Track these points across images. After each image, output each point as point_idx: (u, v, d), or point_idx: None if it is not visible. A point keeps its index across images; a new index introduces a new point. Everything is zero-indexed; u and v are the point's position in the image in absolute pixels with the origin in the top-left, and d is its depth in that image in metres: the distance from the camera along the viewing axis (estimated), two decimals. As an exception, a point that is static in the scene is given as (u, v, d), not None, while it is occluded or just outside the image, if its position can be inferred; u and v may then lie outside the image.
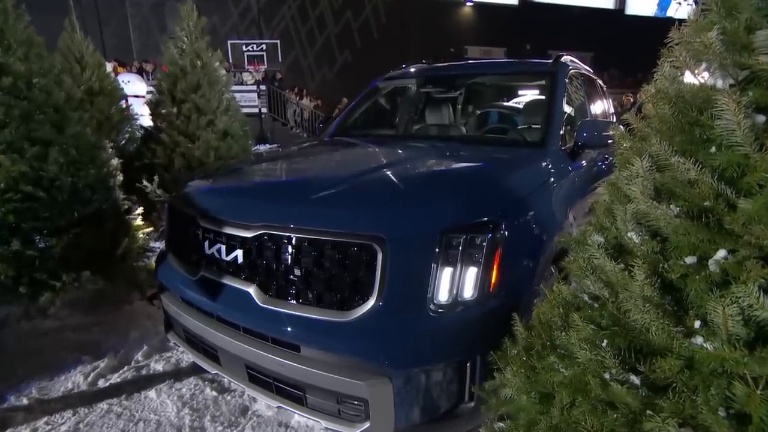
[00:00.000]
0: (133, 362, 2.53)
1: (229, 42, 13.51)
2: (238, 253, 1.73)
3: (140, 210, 3.24)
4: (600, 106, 3.83)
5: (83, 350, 2.60)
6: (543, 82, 2.91)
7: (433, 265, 1.51)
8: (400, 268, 1.49)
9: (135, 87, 8.02)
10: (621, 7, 21.68)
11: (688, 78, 1.06)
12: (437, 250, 1.50)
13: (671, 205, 0.89)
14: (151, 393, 2.25)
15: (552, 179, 2.11)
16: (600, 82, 3.99)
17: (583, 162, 2.62)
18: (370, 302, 1.50)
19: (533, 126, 2.86)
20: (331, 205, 1.64)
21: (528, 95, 3.34)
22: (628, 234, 0.98)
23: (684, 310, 0.89)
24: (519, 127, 2.90)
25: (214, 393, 2.24)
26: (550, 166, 2.18)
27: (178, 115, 3.60)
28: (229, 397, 2.21)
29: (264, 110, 13.64)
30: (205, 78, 3.63)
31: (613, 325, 1.04)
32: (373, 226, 1.51)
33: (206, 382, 2.31)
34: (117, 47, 13.31)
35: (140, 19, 14.78)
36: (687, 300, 0.89)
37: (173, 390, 2.27)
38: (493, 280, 1.56)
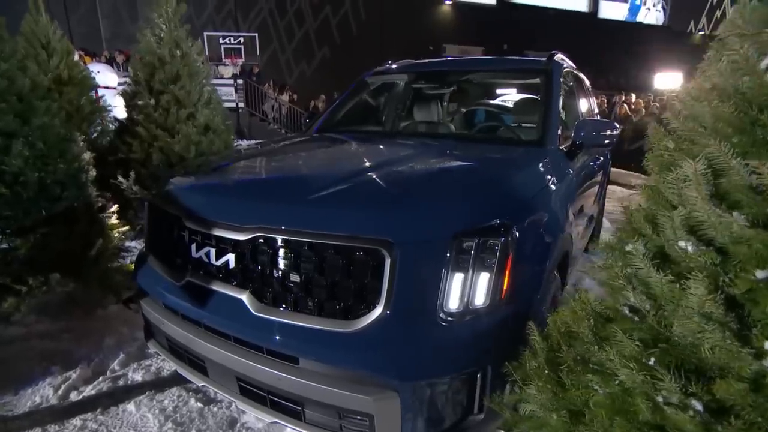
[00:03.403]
0: (108, 372, 2.33)
1: (205, 34, 13.04)
2: (230, 258, 1.58)
3: (115, 208, 3.02)
4: (587, 105, 3.80)
5: (52, 360, 2.39)
6: (538, 80, 2.83)
7: (444, 271, 1.40)
8: (409, 274, 1.37)
9: (105, 78, 7.59)
10: (594, 11, 22.08)
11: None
12: (449, 254, 1.39)
13: (734, 213, 0.80)
14: (130, 406, 2.07)
15: (555, 179, 2.03)
16: (586, 80, 3.96)
17: (579, 161, 2.57)
18: (377, 311, 1.38)
19: (529, 125, 2.78)
20: (333, 206, 1.50)
21: (523, 93, 3.25)
22: (679, 243, 0.88)
23: (747, 328, 0.80)
24: (515, 126, 2.82)
25: (199, 404, 2.08)
26: (551, 166, 2.11)
27: (156, 108, 3.37)
28: (215, 409, 2.06)
29: (241, 105, 13.28)
30: (185, 69, 3.40)
31: (654, 340, 0.95)
32: (380, 229, 1.39)
33: (190, 393, 2.14)
34: (85, 36, 12.66)
35: (110, 7, 14.12)
36: (749, 317, 0.81)
37: (154, 402, 2.09)
38: (504, 286, 1.46)
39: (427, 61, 3.36)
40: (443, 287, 1.40)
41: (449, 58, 3.53)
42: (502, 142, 2.58)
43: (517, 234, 1.49)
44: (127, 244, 3.53)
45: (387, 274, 1.36)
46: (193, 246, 1.70)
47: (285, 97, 14.31)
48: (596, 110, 4.54)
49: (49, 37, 3.30)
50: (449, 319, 1.41)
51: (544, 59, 2.93)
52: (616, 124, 2.53)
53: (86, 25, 13.39)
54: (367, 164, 1.85)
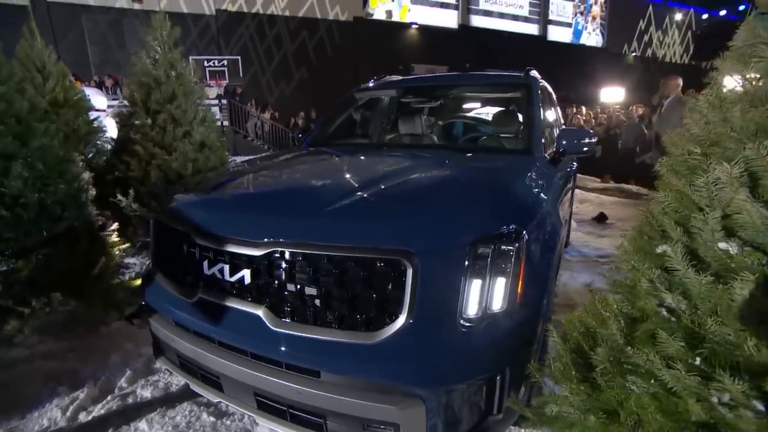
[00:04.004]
0: (116, 390, 2.14)
1: (190, 57, 12.67)
2: (245, 274, 1.45)
3: (115, 225, 2.81)
4: (555, 114, 3.82)
5: (58, 380, 2.17)
6: (519, 93, 2.80)
7: (463, 278, 1.31)
8: (431, 283, 1.28)
9: (95, 101, 7.22)
10: (543, 34, 22.68)
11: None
12: (467, 262, 1.31)
13: (780, 214, 0.74)
14: (142, 424, 1.89)
15: (546, 185, 1.98)
16: (553, 93, 3.98)
17: (560, 167, 2.55)
18: (400, 321, 1.28)
19: (509, 135, 2.74)
20: (352, 219, 1.40)
21: (504, 105, 3.22)
22: (719, 245, 0.82)
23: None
24: (500, 136, 2.76)
25: (212, 419, 1.92)
26: (542, 173, 2.06)
27: (152, 126, 3.17)
28: (228, 422, 1.90)
29: (225, 123, 12.95)
30: (181, 88, 3.22)
31: (691, 339, 0.88)
32: (401, 240, 1.29)
33: (202, 407, 1.98)
34: (74, 63, 12.08)
35: (98, 35, 13.56)
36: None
37: (166, 419, 1.92)
38: (519, 290, 1.39)
39: (415, 76, 3.30)
40: (462, 294, 1.31)
41: (436, 74, 3.45)
42: (493, 152, 2.52)
43: (527, 238, 1.42)
44: (127, 260, 3.31)
45: (409, 284, 1.26)
46: (205, 263, 1.55)
47: (267, 115, 14.06)
48: (562, 119, 4.58)
49: (44, 60, 3.07)
50: (469, 324, 1.32)
51: (521, 74, 2.91)
52: (593, 133, 2.51)
53: (75, 52, 12.80)
54: (375, 176, 1.73)
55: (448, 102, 3.26)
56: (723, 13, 26.56)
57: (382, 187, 1.58)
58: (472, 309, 1.33)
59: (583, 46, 24.21)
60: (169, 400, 2.06)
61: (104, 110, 7.24)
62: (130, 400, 2.07)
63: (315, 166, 2.23)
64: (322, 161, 2.36)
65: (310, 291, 1.36)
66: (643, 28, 26.71)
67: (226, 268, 1.47)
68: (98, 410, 1.99)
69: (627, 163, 8.97)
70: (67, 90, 3.26)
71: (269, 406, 1.48)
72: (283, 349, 1.38)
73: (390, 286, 1.29)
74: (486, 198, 1.54)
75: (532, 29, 22.49)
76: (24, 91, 2.30)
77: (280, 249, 1.37)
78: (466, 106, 3.47)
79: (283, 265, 1.38)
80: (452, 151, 2.52)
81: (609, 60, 23.72)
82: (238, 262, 1.46)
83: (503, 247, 1.35)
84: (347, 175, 1.96)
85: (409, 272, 1.26)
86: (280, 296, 1.41)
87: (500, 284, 1.35)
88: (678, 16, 27.38)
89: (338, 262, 1.32)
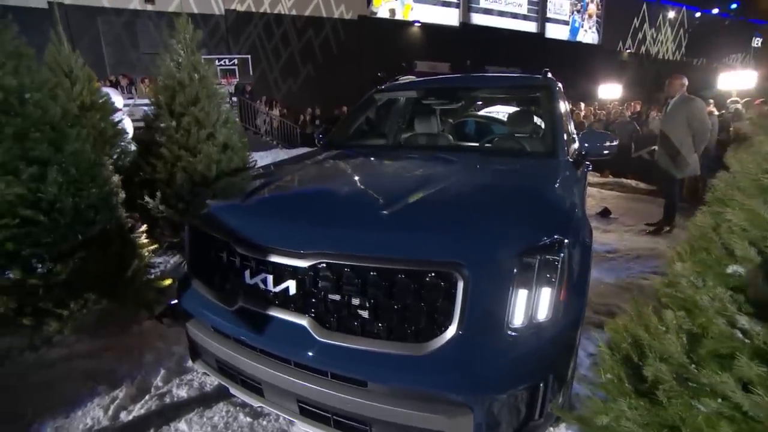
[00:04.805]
0: (153, 389, 2.11)
1: (202, 57, 12.49)
2: (290, 285, 1.40)
3: (144, 227, 2.76)
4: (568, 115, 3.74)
5: (97, 380, 2.14)
6: (539, 95, 2.72)
7: (511, 289, 1.26)
8: (480, 295, 1.23)
9: (113, 101, 7.14)
10: (542, 32, 22.39)
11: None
12: (515, 272, 1.26)
13: None
14: (182, 425, 1.86)
15: (575, 189, 1.92)
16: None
17: (581, 170, 2.48)
18: (450, 332, 1.23)
19: (532, 137, 2.67)
20: (400, 231, 1.34)
21: (523, 108, 3.13)
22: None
23: None
24: (523, 138, 2.68)
25: (248, 419, 1.88)
26: (569, 177, 2.00)
27: (177, 129, 3.11)
28: (265, 422, 1.87)
29: (236, 120, 12.83)
30: (204, 91, 3.15)
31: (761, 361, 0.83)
32: (452, 252, 1.24)
33: (237, 408, 1.95)
34: (90, 64, 11.93)
35: (113, 36, 13.38)
36: None
37: (204, 419, 1.89)
38: (562, 298, 1.34)
39: (436, 77, 3.21)
40: (510, 304, 1.27)
41: (457, 76, 3.34)
42: (519, 155, 2.42)
43: (569, 247, 1.37)
44: (154, 259, 3.27)
45: (460, 296, 1.22)
46: (247, 272, 1.50)
47: (276, 112, 13.92)
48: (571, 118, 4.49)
49: (71, 65, 3.00)
50: (515, 334, 1.28)
51: (539, 76, 2.83)
52: (615, 137, 2.43)
53: (91, 53, 12.61)
54: (414, 184, 1.65)
55: (469, 103, 3.17)
56: (715, 11, 26.17)
57: (424, 196, 1.52)
58: (518, 319, 1.28)
59: (580, 43, 23.91)
60: (205, 399, 2.02)
61: (121, 109, 7.17)
62: (167, 399, 2.04)
63: (350, 171, 2.14)
64: (356, 166, 2.26)
65: (358, 302, 1.32)
66: (637, 25, 26.38)
67: (270, 278, 1.42)
68: (138, 410, 1.96)
69: (622, 159, 8.89)
70: (93, 93, 3.19)
71: (313, 412, 1.44)
72: (329, 359, 1.34)
73: (440, 298, 1.24)
74: (528, 208, 1.49)
75: (530, 27, 22.21)
76: (57, 97, 2.23)
77: (327, 261, 1.32)
78: (487, 108, 3.38)
79: (330, 276, 1.33)
80: (479, 154, 2.43)
81: (605, 57, 23.43)
82: (282, 273, 1.41)
83: (548, 257, 1.30)
84: (386, 183, 1.88)
85: (460, 284, 1.21)
86: (326, 307, 1.36)
87: (545, 294, 1.31)
88: (671, 14, 27.00)
89: (387, 274, 1.27)
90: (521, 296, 1.28)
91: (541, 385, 1.33)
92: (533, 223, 1.38)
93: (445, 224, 1.35)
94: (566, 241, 1.36)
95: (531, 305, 1.29)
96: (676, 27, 27.55)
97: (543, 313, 1.30)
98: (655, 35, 26.95)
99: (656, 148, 7.34)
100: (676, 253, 1.19)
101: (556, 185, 1.77)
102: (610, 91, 13.21)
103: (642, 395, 1.04)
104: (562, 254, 1.32)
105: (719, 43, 26.22)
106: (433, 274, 1.24)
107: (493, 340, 1.25)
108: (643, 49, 26.62)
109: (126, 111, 6.60)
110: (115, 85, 10.59)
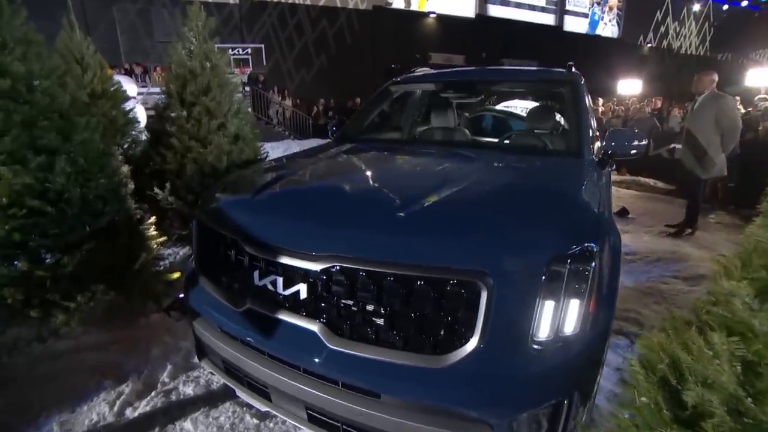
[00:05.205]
0: (159, 385, 2.07)
1: (216, 46, 12.46)
2: (301, 288, 1.32)
3: (153, 219, 2.72)
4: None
5: (103, 373, 2.11)
6: (563, 90, 2.59)
7: (537, 299, 1.17)
8: (505, 305, 1.14)
9: (127, 89, 7.13)
10: (560, 24, 21.85)
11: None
12: (542, 282, 1.16)
13: None
14: (187, 425, 1.82)
15: (602, 192, 1.80)
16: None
17: (606, 170, 2.35)
18: (471, 345, 1.15)
19: (555, 134, 2.55)
20: (421, 236, 1.24)
21: (546, 103, 3.00)
22: None
23: None
24: (546, 135, 2.55)
25: (255, 420, 1.84)
26: (596, 178, 1.88)
27: (188, 119, 3.05)
28: (271, 425, 1.82)
29: (249, 110, 12.81)
30: (215, 80, 3.08)
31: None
32: (476, 260, 1.15)
33: (244, 408, 1.90)
34: (105, 51, 12.00)
35: (128, 24, 13.40)
36: None
37: (210, 419, 1.84)
38: (591, 310, 1.24)
39: (455, 70, 3.08)
40: (535, 316, 1.18)
41: (476, 68, 3.20)
42: (542, 153, 2.30)
43: (600, 256, 1.27)
44: (162, 251, 3.23)
45: (483, 306, 1.13)
46: (255, 273, 1.43)
47: (288, 102, 13.85)
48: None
49: (83, 52, 2.94)
50: (539, 348, 1.19)
51: (564, 70, 2.69)
52: (644, 136, 2.30)
53: (106, 41, 12.68)
54: (433, 183, 1.54)
55: (488, 98, 3.04)
56: (744, 3, 25.21)
57: (445, 197, 1.42)
58: (543, 331, 1.19)
59: (599, 36, 23.30)
60: (211, 398, 1.98)
61: (135, 97, 7.17)
62: (173, 396, 2.00)
63: (365, 168, 2.03)
64: (371, 162, 2.16)
65: (372, 309, 1.24)
66: (660, 18, 25.61)
67: (279, 280, 1.35)
68: (143, 407, 1.92)
69: (640, 156, 8.60)
70: (104, 81, 3.14)
71: (321, 420, 1.38)
72: (340, 367, 1.27)
73: (461, 308, 1.16)
74: (557, 212, 1.38)
75: (548, 19, 21.69)
76: (66, 84, 2.18)
77: (341, 264, 1.24)
78: (503, 102, 3.25)
79: (344, 281, 1.25)
80: (500, 152, 2.30)
81: (624, 51, 22.80)
82: (292, 275, 1.33)
83: (579, 266, 1.20)
84: (404, 181, 1.77)
85: (484, 294, 1.12)
86: (338, 313, 1.28)
87: (574, 305, 1.21)
88: (696, 7, 26.12)
89: (405, 281, 1.19)
90: (548, 308, 1.19)
91: (566, 402, 1.24)
92: (563, 228, 1.28)
93: (468, 229, 1.25)
94: (597, 249, 1.26)
95: (558, 317, 1.20)
96: (701, 20, 26.68)
97: (570, 326, 1.21)
98: (678, 29, 26.14)
99: (676, 146, 7.10)
100: (722, 267, 1.08)
101: (584, 187, 1.65)
102: (629, 86, 12.84)
103: (683, 424, 0.95)
104: (593, 263, 1.22)
105: (746, 37, 25.32)
106: (454, 282, 1.15)
107: (517, 354, 1.17)
108: (665, 43, 25.86)
109: (140, 99, 6.59)
110: (129, 73, 10.62)
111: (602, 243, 1.33)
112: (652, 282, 3.59)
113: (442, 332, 1.18)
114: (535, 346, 1.18)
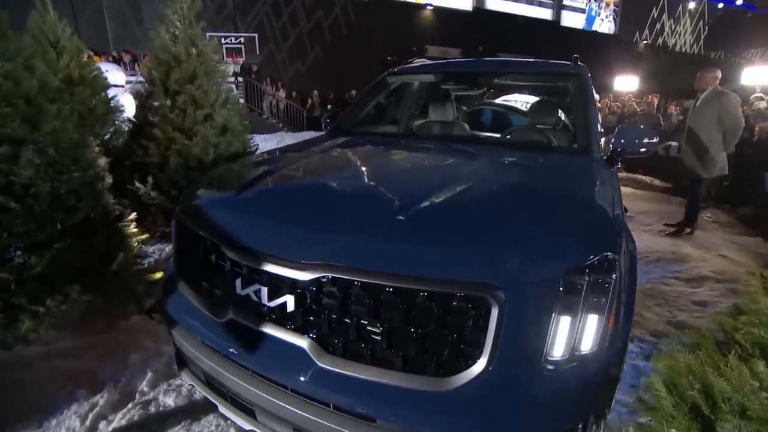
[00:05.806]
0: (137, 395, 1.92)
1: (207, 34, 12.13)
2: (287, 299, 1.18)
3: (133, 215, 2.55)
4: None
5: (77, 382, 1.96)
6: (569, 83, 2.45)
7: (553, 315, 1.04)
8: (518, 323, 1.01)
9: (114, 76, 6.83)
10: (557, 19, 21.72)
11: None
12: (558, 296, 1.04)
13: None
14: (166, 440, 1.67)
15: (615, 194, 1.67)
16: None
17: (614, 169, 2.22)
18: (479, 366, 1.02)
19: (560, 130, 2.42)
20: (422, 243, 1.10)
21: (551, 97, 2.86)
22: None
23: None
24: (551, 131, 2.41)
25: (240, 436, 1.69)
26: (606, 179, 1.75)
27: (172, 108, 2.86)
28: (258, 440, 1.68)
29: (241, 101, 12.55)
30: (202, 67, 2.89)
31: None
32: (485, 272, 1.01)
33: (228, 422, 1.76)
34: (92, 37, 11.62)
35: (116, 10, 13.00)
36: None
37: (191, 435, 1.70)
38: (610, 326, 1.12)
39: (456, 60, 2.93)
40: (549, 333, 1.05)
41: (478, 59, 3.03)
42: (549, 151, 2.16)
43: (620, 266, 1.15)
44: (144, 248, 3.06)
45: (493, 324, 1.00)
46: (238, 281, 1.28)
47: (282, 94, 13.59)
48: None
49: (58, 35, 2.73)
50: (552, 368, 1.06)
51: (570, 63, 2.55)
52: (655, 133, 2.17)
53: (93, 27, 12.31)
54: (436, 183, 1.39)
55: (489, 90, 2.89)
56: (739, 2, 25.27)
57: (448, 199, 1.28)
58: (558, 350, 1.07)
59: (596, 32, 23.22)
60: (193, 410, 1.84)
61: (122, 86, 6.90)
62: (152, 408, 1.85)
63: (360, 165, 1.87)
64: (367, 158, 2.00)
65: (368, 325, 1.10)
66: (655, 16, 25.60)
67: (264, 290, 1.20)
68: (119, 420, 1.78)
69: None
70: (83, 66, 2.94)
71: (311, 444, 1.24)
72: (331, 388, 1.13)
73: (468, 325, 1.02)
74: (573, 218, 1.24)
75: (545, 14, 21.57)
76: (33, 68, 1.99)
77: (333, 274, 1.10)
78: (502, 96, 3.10)
79: (336, 293, 1.11)
80: (504, 148, 2.15)
81: (620, 48, 22.76)
82: (278, 285, 1.19)
83: (599, 278, 1.07)
84: (404, 180, 1.61)
85: (494, 310, 0.99)
86: (329, 328, 1.14)
87: (592, 321, 1.08)
88: (691, 5, 26.14)
89: (406, 295, 1.05)
90: (563, 324, 1.06)
91: (580, 426, 1.12)
92: (580, 236, 1.15)
93: (476, 237, 1.11)
94: (617, 258, 1.14)
95: (574, 334, 1.07)
96: (696, 18, 26.71)
97: (588, 344, 1.08)
98: (673, 26, 26.15)
99: (673, 143, 7.02)
100: (763, 287, 0.96)
101: (597, 189, 1.52)
102: (625, 83, 12.80)
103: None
104: (614, 275, 1.09)
105: (740, 36, 25.39)
106: (461, 296, 1.01)
107: (528, 375, 1.04)
108: (660, 40, 25.88)
109: (128, 88, 6.34)
110: (118, 60, 10.31)
111: (621, 252, 1.21)
112: (653, 283, 3.51)
113: (446, 352, 1.04)
114: (549, 366, 1.06)
